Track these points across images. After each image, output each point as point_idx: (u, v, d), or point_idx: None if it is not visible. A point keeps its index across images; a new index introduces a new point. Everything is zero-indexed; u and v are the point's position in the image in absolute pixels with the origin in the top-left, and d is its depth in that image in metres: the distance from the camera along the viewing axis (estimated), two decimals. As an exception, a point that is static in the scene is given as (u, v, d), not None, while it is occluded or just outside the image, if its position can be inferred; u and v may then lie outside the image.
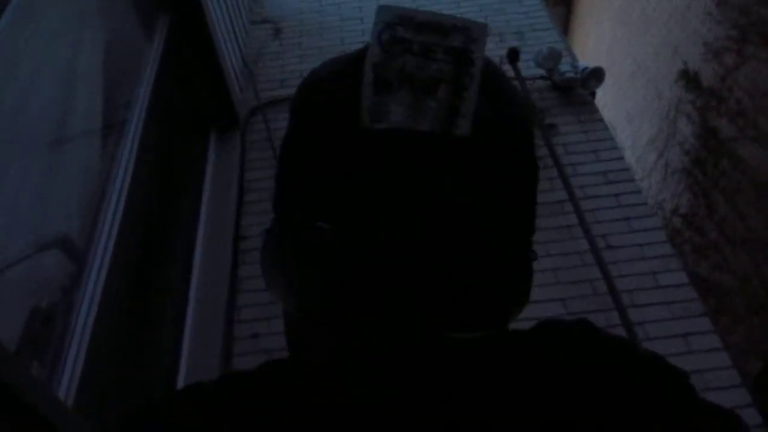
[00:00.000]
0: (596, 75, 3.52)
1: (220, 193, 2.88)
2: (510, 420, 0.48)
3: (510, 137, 0.45)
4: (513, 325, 0.57)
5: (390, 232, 0.39)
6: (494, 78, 0.45)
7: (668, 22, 5.14)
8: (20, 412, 0.98)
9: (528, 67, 3.55)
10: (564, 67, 3.57)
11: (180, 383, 1.95)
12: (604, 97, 5.33)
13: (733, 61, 4.20)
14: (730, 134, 4.21)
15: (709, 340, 2.53)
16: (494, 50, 3.79)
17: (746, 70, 4.06)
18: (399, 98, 0.40)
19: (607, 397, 0.49)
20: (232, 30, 3.49)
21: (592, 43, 6.97)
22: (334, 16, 4.19)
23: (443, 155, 0.40)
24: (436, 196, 0.40)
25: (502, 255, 0.43)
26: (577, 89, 3.54)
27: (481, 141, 0.41)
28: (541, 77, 3.59)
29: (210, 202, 2.81)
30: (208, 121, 3.12)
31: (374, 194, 0.40)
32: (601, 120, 3.45)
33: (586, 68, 3.52)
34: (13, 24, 1.49)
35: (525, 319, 0.63)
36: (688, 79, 4.79)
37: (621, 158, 3.26)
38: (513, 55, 3.50)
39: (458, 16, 0.43)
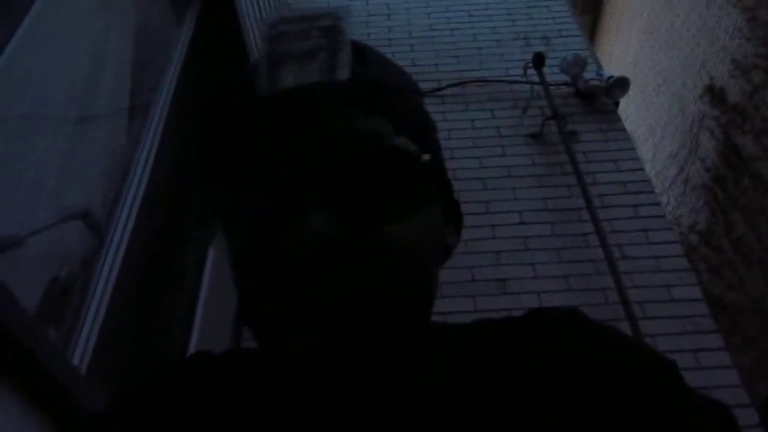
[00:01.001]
0: (621, 84, 3.50)
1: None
2: (497, 414, 0.48)
3: (389, 80, 0.52)
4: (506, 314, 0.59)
5: (306, 164, 0.45)
6: (362, 48, 0.53)
7: (696, 36, 5.11)
8: (36, 374, 1.00)
9: (553, 73, 3.55)
10: (589, 74, 3.56)
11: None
12: (627, 108, 5.30)
13: (760, 79, 4.16)
14: (753, 153, 4.17)
15: (720, 357, 2.51)
16: (520, 54, 3.79)
17: (774, 89, 4.02)
18: (287, 69, 0.47)
19: (594, 390, 0.49)
20: (260, 19, 3.52)
21: (618, 52, 6.94)
22: (362, 12, 4.20)
23: (334, 95, 0.47)
24: (336, 124, 0.46)
25: (403, 164, 0.48)
26: (601, 98, 3.53)
27: (361, 83, 0.48)
28: (566, 84, 3.58)
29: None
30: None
31: (286, 131, 0.46)
32: (624, 130, 3.44)
33: (611, 77, 3.51)
34: (47, 5, 1.51)
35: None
36: (714, 94, 4.75)
37: (641, 169, 3.25)
38: (538, 60, 3.50)
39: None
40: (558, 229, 2.96)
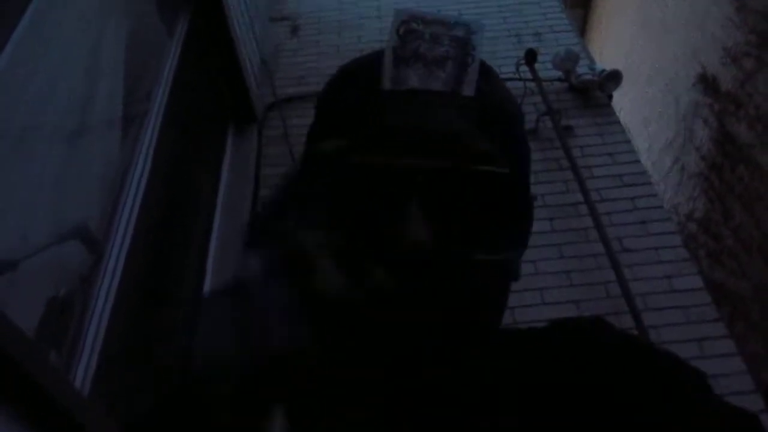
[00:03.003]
0: (614, 78, 3.50)
1: (237, 186, 2.89)
2: (524, 423, 0.48)
3: (507, 108, 0.53)
4: (515, 315, 0.59)
5: (412, 157, 0.45)
6: (488, 68, 0.53)
7: (687, 26, 5.11)
8: (37, 399, 0.99)
9: (545, 69, 3.54)
10: (581, 69, 3.56)
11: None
12: (621, 101, 5.30)
13: (752, 66, 4.17)
14: (748, 140, 4.17)
15: (724, 345, 2.51)
16: (512, 51, 3.78)
17: (766, 76, 4.02)
18: (414, 69, 0.48)
19: (623, 400, 0.48)
20: (251, 26, 3.51)
21: (610, 45, 6.94)
22: (352, 15, 4.20)
23: (454, 105, 0.48)
24: (451, 128, 0.47)
25: (508, 191, 0.48)
26: (595, 92, 3.52)
27: (484, 103, 0.49)
28: (559, 79, 3.57)
29: (226, 195, 2.83)
30: (225, 115, 3.14)
31: (398, 128, 0.46)
32: (618, 123, 3.44)
33: (603, 71, 3.51)
34: (38, 16, 1.50)
35: (538, 321, 0.63)
36: (707, 83, 4.75)
37: (637, 161, 3.25)
38: (530, 56, 3.49)
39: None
40: (557, 224, 2.95)
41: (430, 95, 0.47)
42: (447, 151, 0.46)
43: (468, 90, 0.47)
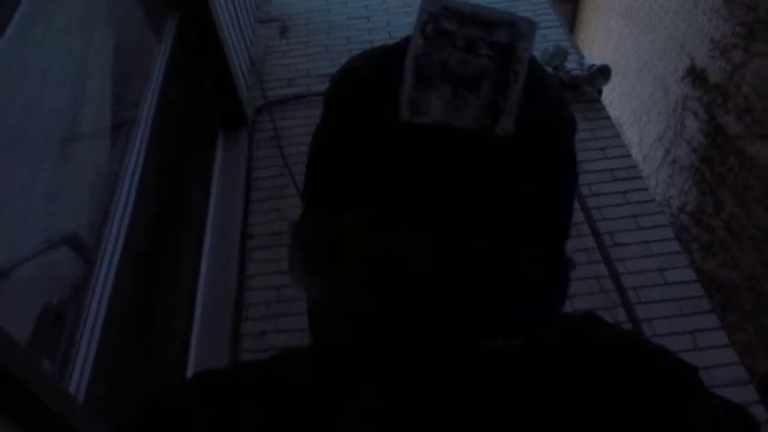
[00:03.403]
0: (603, 72, 3.51)
1: (228, 191, 2.89)
2: (518, 420, 0.48)
3: (552, 136, 0.43)
4: None
5: (422, 228, 0.39)
6: (537, 75, 0.43)
7: (675, 19, 5.12)
8: (32, 407, 0.99)
9: (534, 65, 3.54)
10: (571, 64, 3.56)
11: (189, 379, 1.95)
12: (610, 95, 5.31)
13: (740, 58, 4.19)
14: (737, 131, 4.19)
15: (717, 336, 2.52)
16: (500, 48, 3.78)
17: (753, 67, 4.04)
18: (440, 93, 0.39)
19: (615, 396, 0.48)
20: (239, 28, 3.50)
21: (599, 40, 6.95)
22: (341, 15, 4.19)
23: (483, 152, 0.39)
24: (473, 192, 0.39)
25: (540, 258, 0.41)
26: (584, 87, 3.53)
27: (523, 139, 0.40)
28: (548, 75, 3.58)
29: (218, 200, 2.82)
30: (215, 119, 3.14)
31: (409, 187, 0.39)
32: (608, 117, 3.44)
33: (592, 66, 3.51)
34: (23, 23, 1.50)
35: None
36: (695, 76, 4.77)
37: (628, 156, 3.26)
38: (519, 53, 3.49)
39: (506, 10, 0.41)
40: (549, 220, 2.96)
41: (453, 137, 0.39)
42: (467, 227, 0.39)
43: (506, 125, 0.38)
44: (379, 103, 0.40)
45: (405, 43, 0.41)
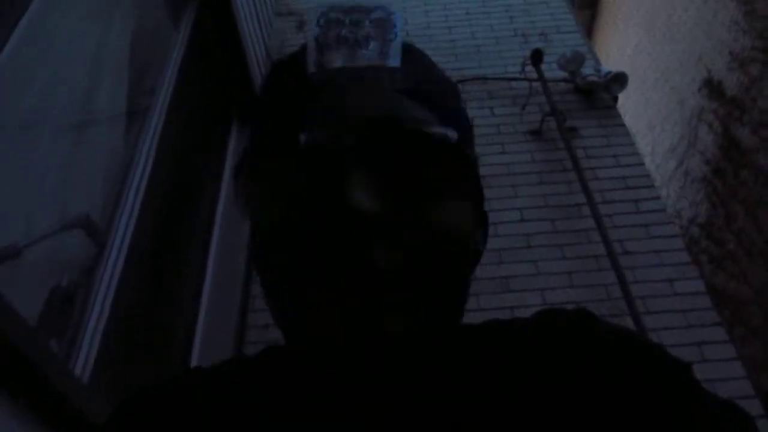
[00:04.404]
0: (619, 80, 3.49)
1: (239, 182, 2.89)
2: (507, 415, 0.48)
3: (429, 68, 0.52)
4: (515, 315, 0.58)
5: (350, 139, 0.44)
6: (415, 51, 0.53)
7: (694, 30, 5.10)
8: (37, 385, 1.00)
9: (551, 69, 3.54)
10: (587, 70, 3.55)
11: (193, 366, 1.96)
12: (626, 103, 5.30)
13: (758, 72, 4.16)
14: (751, 145, 4.17)
15: (724, 350, 2.51)
16: (518, 51, 3.78)
17: (772, 81, 4.01)
18: (338, 53, 0.48)
19: (604, 393, 0.48)
20: (257, 21, 3.51)
21: (616, 48, 6.93)
22: (359, 12, 4.19)
23: (383, 79, 0.47)
24: (385, 105, 0.46)
25: (456, 161, 0.47)
26: (600, 93, 3.52)
27: (412, 79, 0.48)
28: (564, 80, 3.57)
29: (229, 190, 2.83)
30: (230, 110, 3.14)
31: (335, 109, 0.45)
32: (623, 125, 3.43)
33: (609, 72, 3.50)
34: (42, 8, 1.51)
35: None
36: (712, 88, 4.75)
37: (641, 164, 3.24)
38: (536, 57, 3.49)
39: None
40: (559, 225, 2.95)
41: (357, 71, 0.47)
42: (386, 126, 0.44)
43: (394, 61, 0.47)
44: (294, 70, 0.49)
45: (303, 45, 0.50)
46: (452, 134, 0.46)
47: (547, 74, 3.48)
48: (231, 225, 2.66)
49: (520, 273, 2.76)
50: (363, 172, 0.43)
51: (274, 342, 0.58)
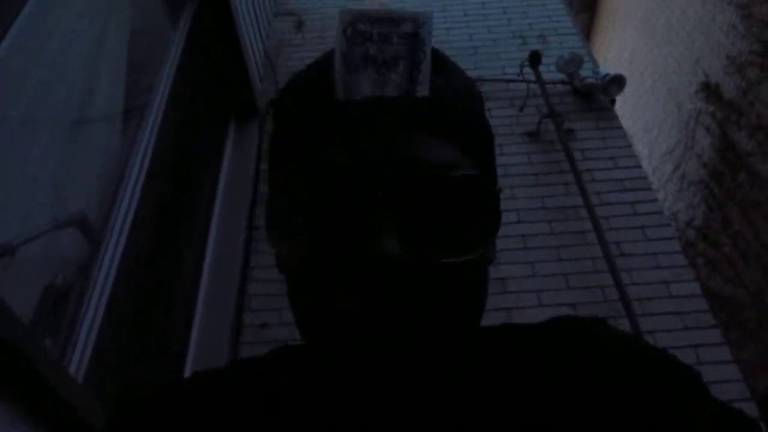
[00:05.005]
0: (617, 82, 3.50)
1: (236, 181, 2.89)
2: (519, 420, 0.48)
3: (462, 101, 0.51)
4: (512, 316, 0.59)
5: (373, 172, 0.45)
6: (441, 58, 0.53)
7: (692, 34, 5.11)
8: (32, 385, 0.99)
9: (549, 71, 3.54)
10: (585, 72, 3.55)
11: (188, 366, 1.97)
12: (623, 105, 5.30)
13: (755, 75, 4.17)
14: (749, 148, 4.17)
15: (719, 352, 2.51)
16: (516, 52, 3.78)
17: (769, 84, 4.02)
18: (366, 75, 0.47)
19: (616, 398, 0.48)
20: (255, 20, 3.51)
21: (614, 50, 6.94)
22: (357, 12, 4.19)
23: (410, 113, 0.47)
24: (410, 147, 0.46)
25: (477, 191, 0.48)
26: (598, 95, 3.52)
27: (439, 102, 0.48)
28: (562, 82, 3.57)
29: (226, 189, 2.83)
30: (228, 109, 3.14)
31: (355, 149, 0.45)
32: (620, 127, 3.43)
33: (607, 75, 3.50)
34: (40, 6, 1.50)
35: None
36: (709, 91, 4.76)
37: (639, 166, 3.25)
38: (535, 59, 3.49)
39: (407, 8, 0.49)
40: (556, 227, 2.95)
41: (384, 106, 0.46)
42: (411, 166, 0.45)
43: (422, 90, 0.47)
44: (319, 92, 0.48)
45: (332, 51, 0.49)
46: (474, 173, 0.47)
47: (545, 76, 3.48)
48: (228, 224, 2.66)
49: (516, 274, 2.76)
50: (390, 218, 0.44)
51: (272, 342, 0.58)
